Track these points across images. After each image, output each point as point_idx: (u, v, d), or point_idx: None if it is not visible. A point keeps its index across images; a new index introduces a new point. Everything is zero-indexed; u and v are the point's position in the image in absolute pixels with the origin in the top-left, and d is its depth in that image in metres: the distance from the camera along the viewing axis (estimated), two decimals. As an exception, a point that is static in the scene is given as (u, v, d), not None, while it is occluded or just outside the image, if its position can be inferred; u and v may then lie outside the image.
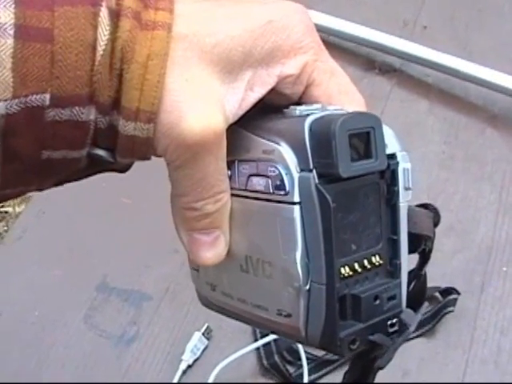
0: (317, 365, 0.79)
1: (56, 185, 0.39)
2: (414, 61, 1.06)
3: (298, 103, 0.41)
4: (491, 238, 0.89)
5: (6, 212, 1.78)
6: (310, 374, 0.78)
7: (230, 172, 0.40)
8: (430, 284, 0.47)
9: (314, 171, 0.36)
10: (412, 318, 0.40)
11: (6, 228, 1.67)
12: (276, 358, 0.79)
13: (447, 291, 0.83)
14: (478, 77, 1.02)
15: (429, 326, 0.81)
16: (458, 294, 0.83)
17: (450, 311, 0.82)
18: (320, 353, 0.78)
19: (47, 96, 0.34)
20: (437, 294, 0.83)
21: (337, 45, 1.01)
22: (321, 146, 0.36)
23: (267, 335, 0.79)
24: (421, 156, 0.94)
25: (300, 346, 0.78)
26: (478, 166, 0.97)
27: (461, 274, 0.86)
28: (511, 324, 0.82)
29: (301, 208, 0.37)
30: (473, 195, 0.94)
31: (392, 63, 1.09)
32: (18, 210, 1.72)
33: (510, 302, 0.84)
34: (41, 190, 0.39)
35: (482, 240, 0.89)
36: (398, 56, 1.08)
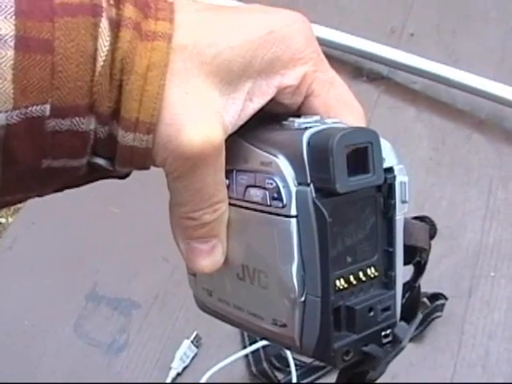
0: (305, 371, 0.79)
1: (56, 191, 0.40)
2: (401, 68, 1.07)
3: (297, 114, 0.41)
4: (479, 242, 0.90)
5: (0, 223, 1.78)
6: (298, 381, 0.78)
7: (228, 181, 0.40)
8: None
9: (312, 185, 0.37)
10: (405, 332, 0.40)
11: (-2, 239, 1.67)
12: (264, 364, 0.79)
13: (435, 296, 0.83)
14: (465, 83, 1.02)
15: (417, 331, 0.81)
16: (446, 299, 0.83)
17: (438, 316, 0.82)
18: (308, 359, 0.79)
19: (47, 107, 0.34)
20: (424, 300, 0.83)
21: (324, 53, 1.01)
22: (318, 161, 0.36)
23: (256, 342, 0.80)
24: (408, 162, 0.94)
25: (288, 353, 0.79)
26: (465, 172, 0.97)
27: (448, 278, 0.86)
28: (499, 328, 0.82)
29: (297, 221, 0.37)
30: (460, 200, 0.94)
31: (379, 71, 1.09)
32: (10, 220, 1.72)
33: (498, 307, 0.84)
34: (40, 196, 0.39)
35: (469, 245, 0.90)
36: (385, 63, 1.08)
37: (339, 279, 0.38)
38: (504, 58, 1.10)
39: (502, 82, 1.01)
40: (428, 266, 0.46)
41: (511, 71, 1.07)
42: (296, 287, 0.38)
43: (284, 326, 0.39)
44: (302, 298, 0.38)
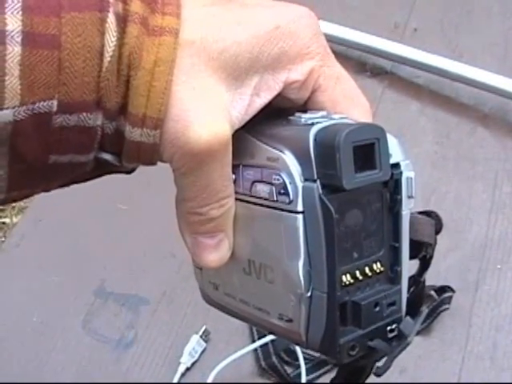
0: (314, 365, 0.79)
1: (62, 186, 0.40)
2: (405, 63, 1.07)
3: (304, 109, 0.41)
4: (485, 236, 0.90)
5: (4, 223, 1.78)
6: (307, 374, 0.78)
7: (234, 176, 0.40)
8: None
9: (318, 181, 0.37)
10: (411, 327, 0.40)
11: (3, 239, 1.67)
12: (274, 358, 0.79)
13: (442, 289, 0.83)
14: (468, 77, 1.03)
15: (425, 324, 0.81)
16: (453, 291, 0.83)
17: (446, 309, 0.83)
18: (317, 353, 0.79)
19: (54, 102, 0.34)
20: (432, 293, 0.83)
21: (328, 48, 1.00)
22: (325, 157, 0.36)
23: (264, 336, 0.80)
24: (413, 156, 0.94)
25: (297, 347, 0.79)
26: (470, 165, 0.98)
27: (455, 272, 0.87)
28: (506, 321, 0.83)
29: (304, 217, 0.37)
30: (465, 194, 0.95)
31: (383, 65, 1.10)
32: (15, 220, 1.72)
33: (505, 299, 0.84)
34: (47, 191, 0.39)
35: (475, 238, 0.90)
36: (388, 58, 1.09)
37: (345, 274, 0.38)
38: (507, 52, 1.10)
39: (505, 76, 1.02)
40: (435, 260, 0.46)
41: (515, 65, 1.07)
42: (302, 282, 0.38)
43: (290, 320, 0.39)
44: (308, 294, 0.38)
